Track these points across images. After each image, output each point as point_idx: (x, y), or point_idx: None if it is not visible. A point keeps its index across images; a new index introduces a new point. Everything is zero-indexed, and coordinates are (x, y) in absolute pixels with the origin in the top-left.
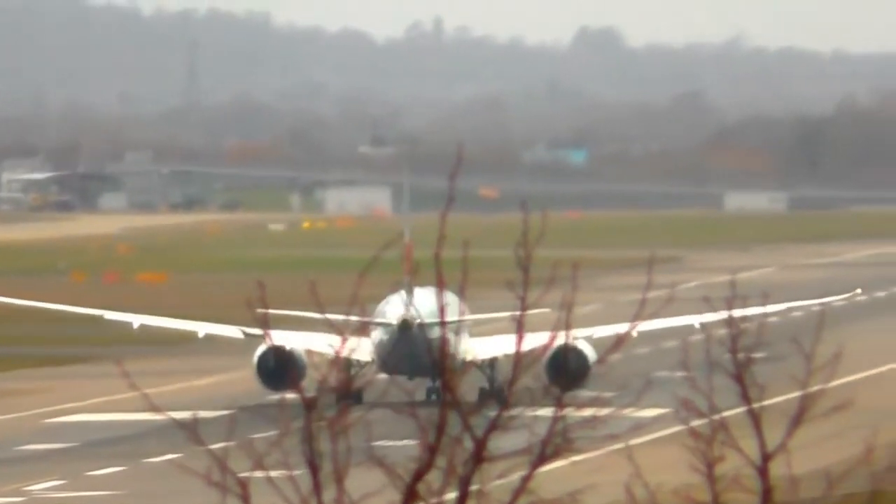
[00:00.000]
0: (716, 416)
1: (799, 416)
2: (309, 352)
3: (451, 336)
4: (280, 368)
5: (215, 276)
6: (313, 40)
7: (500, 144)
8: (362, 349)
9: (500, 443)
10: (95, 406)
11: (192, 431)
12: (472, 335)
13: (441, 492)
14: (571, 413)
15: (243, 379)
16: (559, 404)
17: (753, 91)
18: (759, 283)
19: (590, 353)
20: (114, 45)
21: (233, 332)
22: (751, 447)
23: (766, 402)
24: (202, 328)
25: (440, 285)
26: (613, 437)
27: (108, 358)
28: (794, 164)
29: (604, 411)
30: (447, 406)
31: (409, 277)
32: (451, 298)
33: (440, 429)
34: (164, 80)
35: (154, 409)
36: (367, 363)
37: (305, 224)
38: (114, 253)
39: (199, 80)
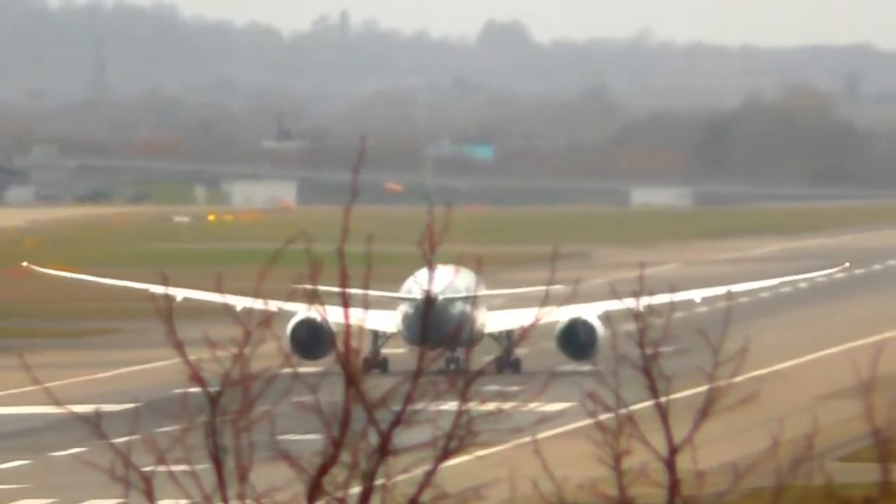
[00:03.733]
0: (623, 410)
1: (706, 409)
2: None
3: (470, 310)
4: (311, 339)
5: (120, 270)
6: (221, 34)
7: (406, 139)
8: (388, 321)
9: (405, 437)
10: (0, 399)
11: (94, 425)
12: (489, 309)
13: (345, 486)
14: (475, 407)
15: (149, 372)
16: (463, 398)
17: (660, 86)
18: (664, 278)
19: (599, 326)
20: (20, 39)
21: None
22: (658, 441)
23: (673, 396)
24: (240, 301)
25: (343, 280)
26: (518, 431)
27: (15, 350)
28: (700, 160)
29: (508, 405)
30: (351, 399)
31: (433, 256)
32: (470, 276)
33: (344, 423)
34: (72, 73)
35: (55, 402)
36: (392, 334)
37: (210, 216)
38: (20, 246)
39: (106, 73)
